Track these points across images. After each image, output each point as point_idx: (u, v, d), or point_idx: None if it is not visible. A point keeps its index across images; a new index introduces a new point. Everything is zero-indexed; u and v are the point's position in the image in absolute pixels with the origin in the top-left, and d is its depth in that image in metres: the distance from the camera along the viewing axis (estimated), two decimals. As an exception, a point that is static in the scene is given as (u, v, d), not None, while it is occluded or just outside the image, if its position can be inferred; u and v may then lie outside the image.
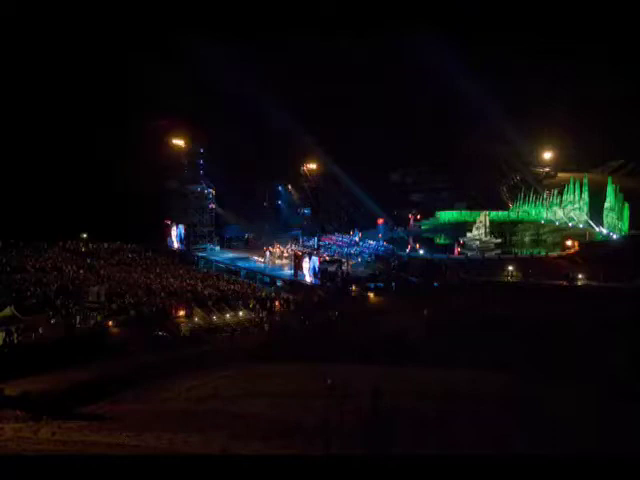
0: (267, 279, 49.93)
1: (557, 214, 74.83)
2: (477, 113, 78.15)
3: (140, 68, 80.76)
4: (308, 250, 52.37)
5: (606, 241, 64.79)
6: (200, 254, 59.92)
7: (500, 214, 76.61)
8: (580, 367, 21.41)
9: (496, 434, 13.67)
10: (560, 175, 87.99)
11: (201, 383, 20.74)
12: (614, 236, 65.50)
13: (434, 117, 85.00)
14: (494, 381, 19.50)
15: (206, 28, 79.87)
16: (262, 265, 54.65)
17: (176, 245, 61.49)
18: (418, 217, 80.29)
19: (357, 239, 64.56)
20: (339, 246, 61.73)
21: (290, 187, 70.03)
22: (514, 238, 70.20)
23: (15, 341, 27.62)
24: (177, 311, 34.93)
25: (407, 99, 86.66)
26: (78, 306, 33.64)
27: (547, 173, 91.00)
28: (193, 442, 12.94)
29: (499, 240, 66.87)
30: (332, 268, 49.02)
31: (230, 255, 60.17)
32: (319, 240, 59.68)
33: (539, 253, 63.33)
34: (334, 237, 65.97)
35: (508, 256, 60.69)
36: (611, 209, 68.41)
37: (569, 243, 62.75)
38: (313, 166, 63.55)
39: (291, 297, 42.37)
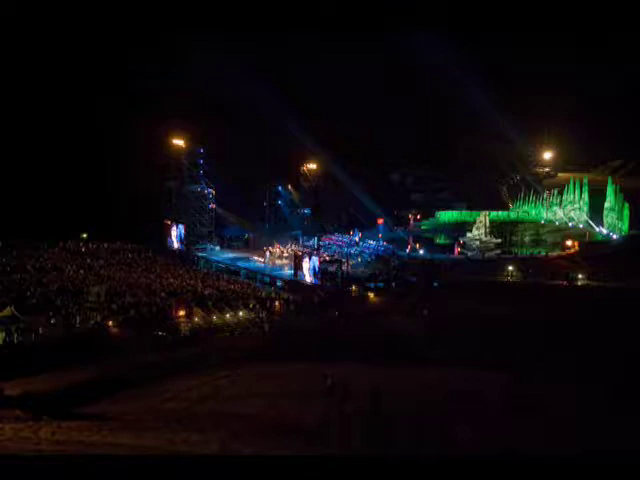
0: (267, 279, 49.89)
1: (557, 214, 74.83)
2: (477, 113, 78.21)
3: (141, 69, 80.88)
4: (308, 250, 52.34)
5: (606, 241, 64.81)
6: (200, 254, 59.87)
7: (500, 214, 76.62)
8: (580, 367, 21.41)
9: (496, 434, 13.67)
10: (560, 175, 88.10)
11: (201, 383, 20.72)
12: (614, 236, 65.49)
13: (434, 117, 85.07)
14: (494, 381, 19.49)
15: (206, 27, 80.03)
16: (262, 265, 54.63)
17: (176, 245, 61.45)
18: (418, 217, 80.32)
19: (357, 239, 64.57)
20: (339, 246, 61.73)
21: (290, 187, 70.01)
22: (514, 238, 70.21)
23: (15, 341, 27.61)
24: (177, 311, 34.88)
25: (407, 99, 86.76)
26: (78, 306, 33.63)
27: (547, 173, 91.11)
28: (193, 442, 12.92)
29: (499, 240, 66.90)
30: (332, 268, 49.01)
31: (230, 255, 60.14)
32: (319, 240, 59.65)
33: (539, 253, 63.34)
34: (334, 237, 65.97)
35: (508, 256, 60.75)
36: (611, 209, 68.42)
37: (569, 243, 62.77)
38: (313, 166, 63.50)
39: (291, 297, 42.35)
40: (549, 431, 13.66)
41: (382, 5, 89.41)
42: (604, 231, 67.75)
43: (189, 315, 34.65)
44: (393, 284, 47.41)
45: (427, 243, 66.96)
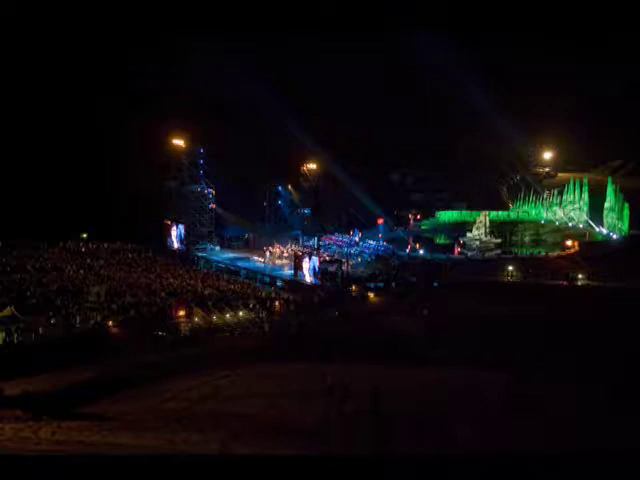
0: (267, 279, 49.91)
1: (557, 214, 74.81)
2: (477, 113, 78.16)
3: (141, 69, 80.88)
4: (308, 250, 52.34)
5: (606, 241, 64.82)
6: (200, 254, 59.90)
7: (500, 214, 76.62)
8: (580, 367, 21.41)
9: (496, 434, 13.66)
10: (560, 175, 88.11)
11: (201, 383, 20.70)
12: (614, 236, 65.50)
13: (434, 117, 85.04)
14: (494, 381, 19.48)
15: (206, 27, 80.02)
16: (262, 265, 54.64)
17: (176, 245, 61.44)
18: (418, 217, 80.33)
19: (357, 239, 64.60)
20: (339, 246, 61.75)
21: (290, 187, 70.02)
22: (514, 238, 70.25)
23: (15, 341, 27.61)
24: (177, 311, 34.89)
25: (407, 99, 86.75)
26: (78, 306, 33.63)
27: (547, 173, 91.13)
28: (193, 442, 12.92)
29: (499, 240, 66.91)
30: (332, 268, 49.03)
31: (230, 255, 60.17)
32: (319, 240, 59.65)
33: (539, 253, 63.35)
34: (334, 237, 65.98)
35: (508, 256, 60.76)
36: (611, 209, 68.44)
37: (569, 243, 62.79)
38: (313, 166, 63.46)
39: (291, 297, 42.35)
40: (549, 431, 13.64)
41: (382, 5, 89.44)
42: (604, 231, 67.75)
43: (189, 315, 34.65)
44: (393, 284, 47.42)
45: (427, 243, 67.03)
